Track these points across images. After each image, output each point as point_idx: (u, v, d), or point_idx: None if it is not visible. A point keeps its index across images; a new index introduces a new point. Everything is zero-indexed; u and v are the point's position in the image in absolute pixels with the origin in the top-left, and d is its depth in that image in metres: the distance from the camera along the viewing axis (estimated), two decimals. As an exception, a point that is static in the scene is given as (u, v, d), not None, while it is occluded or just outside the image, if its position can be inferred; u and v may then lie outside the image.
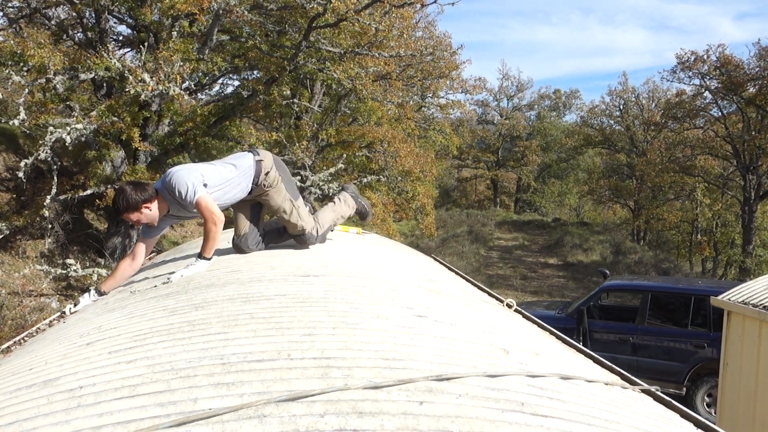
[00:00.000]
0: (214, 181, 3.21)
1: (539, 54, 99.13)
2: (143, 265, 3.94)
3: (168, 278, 2.89)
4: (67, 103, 10.64)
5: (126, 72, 9.18)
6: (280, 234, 3.64)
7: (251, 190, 3.35)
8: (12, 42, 9.32)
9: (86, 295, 3.19)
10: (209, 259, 3.11)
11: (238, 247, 3.43)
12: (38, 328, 2.99)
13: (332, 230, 3.88)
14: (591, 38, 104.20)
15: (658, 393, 2.04)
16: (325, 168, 14.14)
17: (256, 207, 3.52)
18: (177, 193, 3.08)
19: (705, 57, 23.02)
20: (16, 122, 9.05)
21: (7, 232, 10.29)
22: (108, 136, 10.99)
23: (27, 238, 11.91)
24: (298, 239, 3.50)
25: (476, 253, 22.52)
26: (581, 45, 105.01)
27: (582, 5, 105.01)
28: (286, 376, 1.47)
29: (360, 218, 4.07)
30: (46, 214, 10.01)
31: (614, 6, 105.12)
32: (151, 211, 3.17)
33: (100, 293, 3.19)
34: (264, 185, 3.34)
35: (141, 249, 3.34)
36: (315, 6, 10.43)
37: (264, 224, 3.61)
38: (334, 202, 3.85)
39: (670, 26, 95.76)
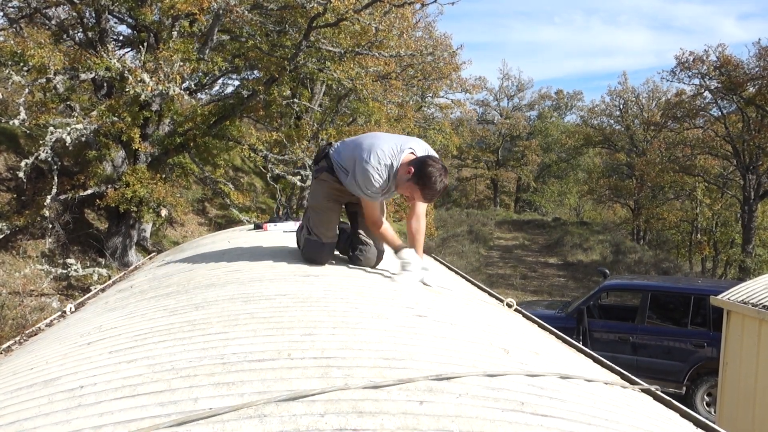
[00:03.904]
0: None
1: (542, 54, 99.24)
2: (143, 265, 3.93)
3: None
4: (68, 103, 10.64)
5: (126, 72, 9.18)
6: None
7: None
8: (12, 42, 9.32)
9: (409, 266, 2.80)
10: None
11: (320, 251, 2.94)
12: (39, 328, 2.99)
13: None
14: (594, 39, 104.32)
15: (658, 392, 2.04)
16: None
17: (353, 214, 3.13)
18: (357, 182, 2.77)
19: (704, 57, 23.01)
20: (17, 122, 9.06)
21: (8, 231, 10.30)
22: (108, 136, 10.99)
23: (27, 237, 11.90)
24: (377, 251, 3.04)
25: (476, 252, 22.51)
26: (584, 45, 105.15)
27: (585, 5, 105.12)
28: (287, 375, 1.47)
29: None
30: (47, 213, 10.01)
31: (617, 6, 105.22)
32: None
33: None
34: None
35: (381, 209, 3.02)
36: (315, 6, 10.43)
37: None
38: None
39: (673, 26, 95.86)
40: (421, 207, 2.95)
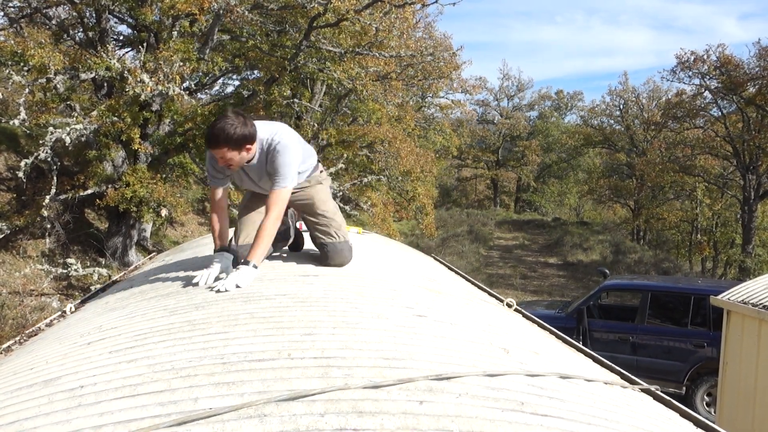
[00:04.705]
0: (302, 159, 2.79)
1: (542, 54, 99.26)
2: (143, 265, 3.94)
3: (223, 287, 2.39)
4: (68, 102, 10.63)
5: (126, 72, 9.18)
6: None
7: (301, 181, 2.88)
8: (12, 42, 9.32)
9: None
10: (257, 267, 2.56)
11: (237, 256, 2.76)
12: (39, 328, 2.99)
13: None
14: (594, 38, 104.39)
15: (658, 392, 2.04)
16: (325, 168, 14.13)
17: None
18: (278, 170, 2.63)
19: (705, 57, 23.01)
20: (17, 122, 9.06)
21: (8, 231, 10.30)
22: (108, 136, 10.98)
23: (28, 237, 11.90)
24: (337, 246, 2.88)
25: (476, 252, 22.51)
26: (584, 45, 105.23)
27: (586, 5, 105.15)
28: (287, 375, 1.47)
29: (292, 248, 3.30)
30: (46, 213, 10.01)
31: (618, 6, 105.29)
32: (248, 155, 2.63)
33: (227, 249, 2.74)
34: (319, 179, 2.96)
35: (222, 197, 2.83)
36: (315, 6, 10.43)
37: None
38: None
39: (674, 26, 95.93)
40: (270, 197, 2.68)
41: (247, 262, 2.55)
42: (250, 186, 2.88)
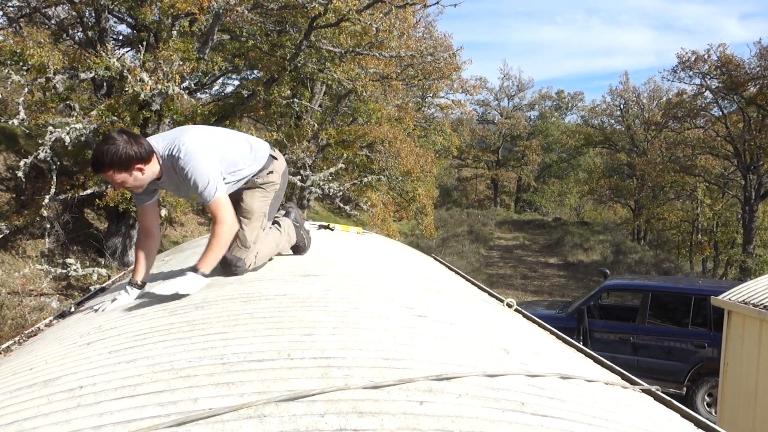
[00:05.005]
0: (230, 162, 2.64)
1: (543, 54, 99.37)
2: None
3: (155, 292, 2.36)
4: (67, 102, 10.64)
5: (125, 71, 9.18)
6: None
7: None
8: (11, 41, 9.32)
9: (122, 292, 2.59)
10: (206, 276, 2.45)
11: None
12: (38, 328, 2.98)
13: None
14: (595, 38, 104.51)
15: (659, 393, 2.03)
16: (325, 168, 14.15)
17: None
18: (191, 183, 2.49)
19: (706, 57, 23.01)
20: (16, 122, 9.06)
21: (7, 231, 10.30)
22: (108, 135, 10.98)
23: (27, 237, 11.91)
24: (227, 257, 2.68)
25: (476, 252, 22.51)
26: (585, 45, 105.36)
27: (587, 5, 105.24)
28: (287, 375, 1.47)
29: (294, 252, 3.23)
30: (46, 213, 10.01)
31: (619, 6, 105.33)
32: (143, 175, 2.45)
33: (139, 285, 2.64)
34: (257, 182, 2.79)
35: (149, 216, 2.71)
36: (316, 6, 10.43)
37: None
38: (279, 231, 3.05)
39: (675, 26, 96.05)
40: (210, 212, 2.57)
41: (195, 269, 2.40)
42: (186, 197, 2.70)
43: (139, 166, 2.41)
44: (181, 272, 2.61)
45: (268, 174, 2.81)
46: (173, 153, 2.49)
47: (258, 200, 2.79)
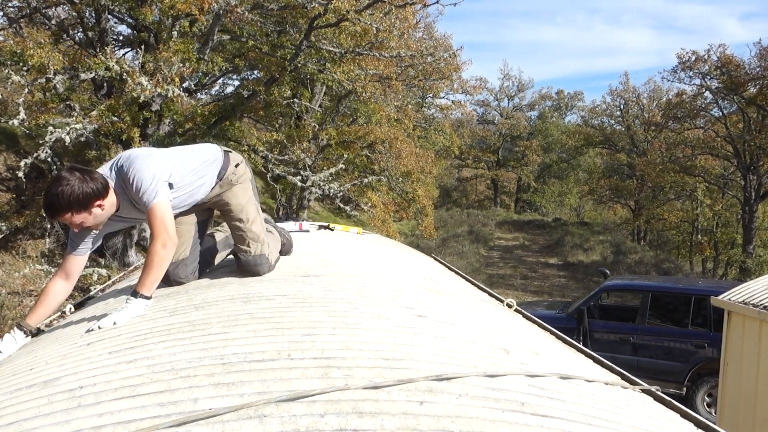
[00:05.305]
0: (182, 175, 2.45)
1: (543, 54, 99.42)
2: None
3: (97, 326, 2.12)
4: (67, 102, 10.64)
5: (124, 74, 9.19)
6: (212, 255, 2.90)
7: (212, 187, 2.64)
8: (12, 42, 9.32)
9: (8, 336, 2.33)
10: (149, 297, 2.25)
11: (170, 276, 2.58)
12: (38, 328, 2.98)
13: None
14: (595, 38, 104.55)
15: (659, 393, 2.04)
16: (325, 168, 14.15)
17: (203, 222, 2.79)
18: (134, 187, 2.29)
19: (706, 57, 23.02)
20: (16, 122, 9.06)
21: (7, 231, 10.30)
22: (108, 136, 10.98)
23: (27, 237, 11.91)
24: (250, 261, 2.64)
25: (476, 252, 22.51)
26: (585, 45, 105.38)
27: (587, 5, 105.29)
28: (287, 376, 1.47)
29: (282, 252, 3.11)
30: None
31: (620, 6, 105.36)
32: (104, 210, 2.29)
33: (31, 332, 2.40)
34: (232, 180, 2.68)
35: (74, 265, 2.45)
36: (316, 6, 10.43)
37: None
38: (272, 233, 2.98)
39: (675, 26, 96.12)
40: (148, 219, 2.36)
41: (135, 294, 2.22)
42: (137, 218, 2.49)
43: (98, 203, 2.25)
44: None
45: (236, 167, 2.72)
46: (120, 164, 2.36)
47: (242, 195, 2.72)
